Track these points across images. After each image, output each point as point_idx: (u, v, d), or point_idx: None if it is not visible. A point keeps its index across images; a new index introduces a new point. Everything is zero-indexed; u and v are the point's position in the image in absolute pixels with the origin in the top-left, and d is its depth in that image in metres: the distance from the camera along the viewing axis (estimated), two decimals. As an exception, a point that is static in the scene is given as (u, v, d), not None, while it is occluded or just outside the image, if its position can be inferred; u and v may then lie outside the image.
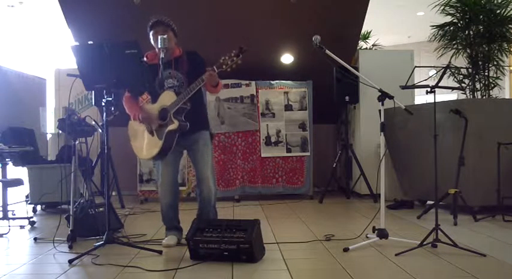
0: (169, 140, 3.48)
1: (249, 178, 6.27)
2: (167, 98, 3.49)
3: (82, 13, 6.00)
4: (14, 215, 5.00)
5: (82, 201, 4.15)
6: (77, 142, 4.13)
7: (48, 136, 6.96)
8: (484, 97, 5.90)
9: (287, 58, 6.63)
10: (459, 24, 6.06)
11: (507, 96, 10.31)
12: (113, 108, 3.35)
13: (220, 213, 3.88)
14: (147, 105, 3.70)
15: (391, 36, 11.91)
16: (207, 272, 3.00)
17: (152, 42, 3.60)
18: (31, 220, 4.67)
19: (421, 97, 7.57)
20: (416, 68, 4.54)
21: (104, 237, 3.34)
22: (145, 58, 3.58)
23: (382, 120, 3.62)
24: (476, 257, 3.19)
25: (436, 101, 3.66)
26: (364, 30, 7.63)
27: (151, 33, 3.60)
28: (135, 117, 3.62)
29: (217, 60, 3.43)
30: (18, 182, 4.95)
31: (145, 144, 3.58)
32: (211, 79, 3.44)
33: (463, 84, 6.12)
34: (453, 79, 6.10)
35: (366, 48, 8.48)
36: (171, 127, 3.46)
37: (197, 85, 3.43)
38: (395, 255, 3.24)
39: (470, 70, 6.04)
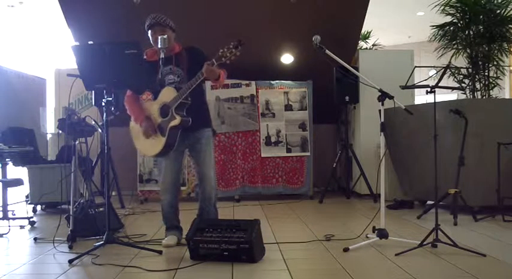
0: (173, 136, 3.48)
1: (249, 178, 6.27)
2: (167, 94, 3.49)
3: (82, 13, 6.00)
4: (14, 215, 4.99)
5: (82, 201, 4.15)
6: (77, 142, 4.13)
7: (48, 136, 6.95)
8: (484, 97, 5.89)
9: (287, 58, 6.63)
10: (459, 24, 6.05)
11: (507, 96, 10.30)
12: (113, 108, 3.35)
13: (220, 213, 3.87)
14: (147, 102, 3.70)
15: (391, 36, 11.91)
16: (207, 272, 2.99)
17: (151, 41, 3.59)
18: (31, 220, 4.66)
19: (421, 97, 7.57)
20: (416, 68, 4.54)
21: (104, 237, 3.34)
22: (144, 56, 3.59)
23: (382, 120, 3.62)
24: (476, 257, 3.19)
25: (436, 101, 3.67)
26: (364, 30, 7.63)
27: (149, 33, 3.59)
28: (136, 120, 3.63)
29: (215, 53, 3.36)
30: (18, 182, 4.94)
31: (148, 142, 3.58)
32: (210, 73, 3.38)
33: (463, 84, 6.12)
34: (453, 79, 6.10)
35: (366, 48, 8.49)
36: (173, 122, 3.45)
37: (197, 79, 3.40)
38: (395, 255, 3.24)
39: (470, 70, 6.03)
